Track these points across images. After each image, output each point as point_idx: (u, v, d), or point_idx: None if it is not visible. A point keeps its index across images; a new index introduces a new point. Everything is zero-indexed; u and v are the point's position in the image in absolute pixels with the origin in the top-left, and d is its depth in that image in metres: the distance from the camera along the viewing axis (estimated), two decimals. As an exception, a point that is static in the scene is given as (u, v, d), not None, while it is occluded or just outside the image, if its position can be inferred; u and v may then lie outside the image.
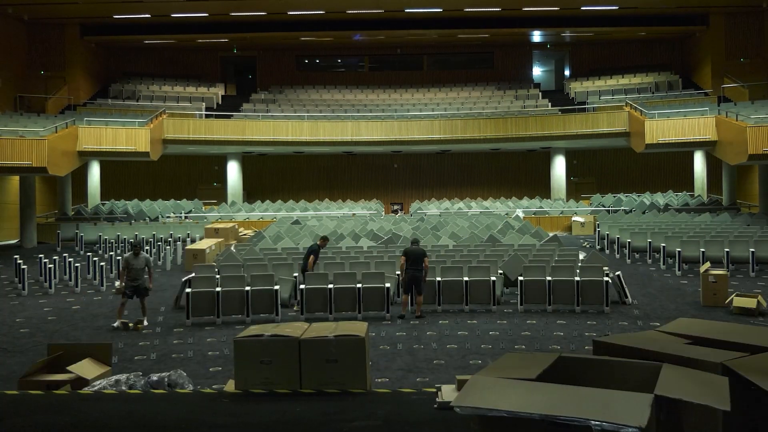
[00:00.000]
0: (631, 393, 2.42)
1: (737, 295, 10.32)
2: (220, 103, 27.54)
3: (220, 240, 16.80)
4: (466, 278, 10.83)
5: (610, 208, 23.09)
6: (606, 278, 10.53)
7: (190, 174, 28.55)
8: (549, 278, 10.65)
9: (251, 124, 24.56)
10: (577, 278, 10.56)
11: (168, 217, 22.43)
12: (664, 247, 14.64)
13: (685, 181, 25.65)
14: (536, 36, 29.02)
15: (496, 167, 28.81)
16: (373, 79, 30.20)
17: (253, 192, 27.92)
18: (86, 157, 22.18)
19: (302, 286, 10.53)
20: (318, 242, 11.82)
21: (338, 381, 4.77)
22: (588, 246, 18.04)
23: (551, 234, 16.94)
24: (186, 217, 22.55)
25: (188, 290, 10.34)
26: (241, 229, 19.30)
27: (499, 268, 11.64)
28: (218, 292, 10.31)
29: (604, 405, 2.30)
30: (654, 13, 25.66)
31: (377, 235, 16.19)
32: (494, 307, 10.57)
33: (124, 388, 5.55)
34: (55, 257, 14.47)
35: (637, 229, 16.72)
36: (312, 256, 11.20)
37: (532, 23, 26.77)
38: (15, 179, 22.33)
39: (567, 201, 24.57)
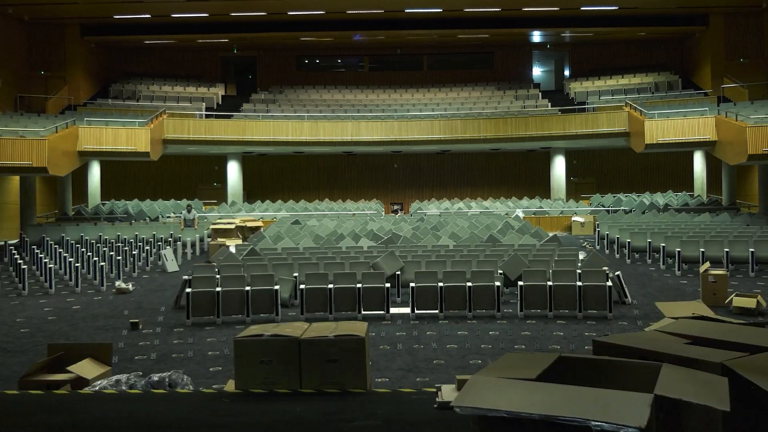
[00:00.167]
0: (631, 393, 2.42)
1: (737, 295, 10.33)
2: (220, 103, 27.55)
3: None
4: (469, 284, 10.56)
5: (610, 208, 23.10)
6: (609, 283, 10.40)
7: (190, 174, 28.57)
8: (550, 283, 10.49)
9: (251, 124, 24.57)
10: (579, 283, 10.41)
11: (168, 217, 22.44)
12: (663, 247, 14.64)
13: (685, 181, 25.66)
14: (536, 36, 29.03)
15: (495, 167, 28.82)
16: (373, 79, 30.20)
17: (253, 192, 27.92)
18: (86, 157, 22.19)
19: (302, 286, 10.54)
20: None
21: (338, 381, 4.78)
22: (588, 246, 18.04)
23: (551, 234, 16.94)
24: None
25: (188, 290, 10.35)
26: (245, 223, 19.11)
27: (499, 267, 11.59)
28: (218, 292, 10.32)
29: (604, 405, 2.30)
30: (654, 13, 25.67)
31: (377, 235, 16.19)
32: (498, 313, 10.43)
33: (124, 388, 5.56)
34: (46, 259, 14.49)
35: (636, 229, 16.72)
36: None
37: (532, 23, 26.77)
38: (15, 179, 22.34)
39: (567, 201, 24.58)
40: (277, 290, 10.49)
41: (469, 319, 10.24)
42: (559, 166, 25.96)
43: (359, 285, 10.47)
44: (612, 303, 10.32)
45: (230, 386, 5.13)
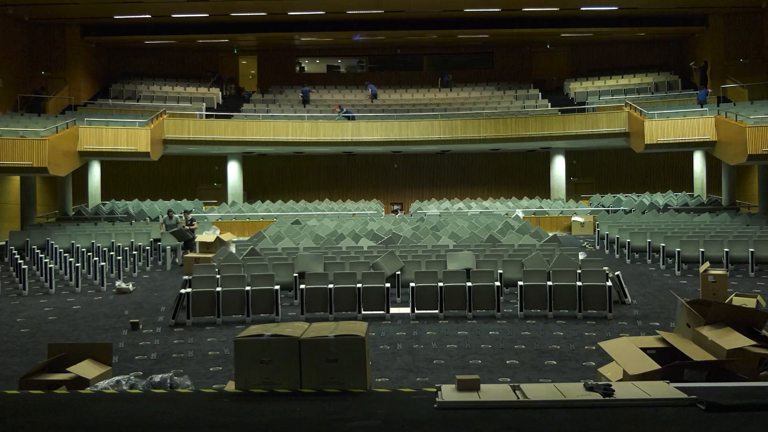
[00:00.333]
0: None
1: (736, 295, 10.33)
2: (220, 103, 27.56)
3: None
4: (469, 284, 10.57)
5: (610, 208, 23.10)
6: (609, 283, 10.41)
7: (191, 174, 28.56)
8: (550, 283, 10.48)
9: (251, 124, 24.57)
10: (579, 283, 10.39)
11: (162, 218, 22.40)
12: (663, 247, 14.65)
13: (685, 181, 25.66)
14: (536, 36, 29.01)
15: (495, 167, 28.82)
16: (373, 79, 30.19)
17: (253, 192, 27.93)
18: (87, 157, 22.19)
19: (302, 286, 10.55)
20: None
21: (338, 381, 4.78)
22: (588, 246, 18.06)
23: (551, 234, 16.95)
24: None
25: (188, 290, 10.36)
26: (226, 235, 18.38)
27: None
28: (218, 292, 10.34)
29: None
30: (653, 13, 25.66)
31: (377, 235, 16.20)
32: (498, 313, 10.44)
33: (125, 388, 5.57)
34: (44, 258, 14.47)
35: (636, 229, 16.73)
36: None
37: (532, 23, 26.77)
38: (15, 179, 22.34)
39: (567, 201, 24.57)
40: (277, 290, 10.50)
41: (469, 319, 10.26)
42: (558, 166, 25.96)
43: (359, 285, 10.48)
44: (612, 303, 10.34)
45: (230, 386, 5.14)
